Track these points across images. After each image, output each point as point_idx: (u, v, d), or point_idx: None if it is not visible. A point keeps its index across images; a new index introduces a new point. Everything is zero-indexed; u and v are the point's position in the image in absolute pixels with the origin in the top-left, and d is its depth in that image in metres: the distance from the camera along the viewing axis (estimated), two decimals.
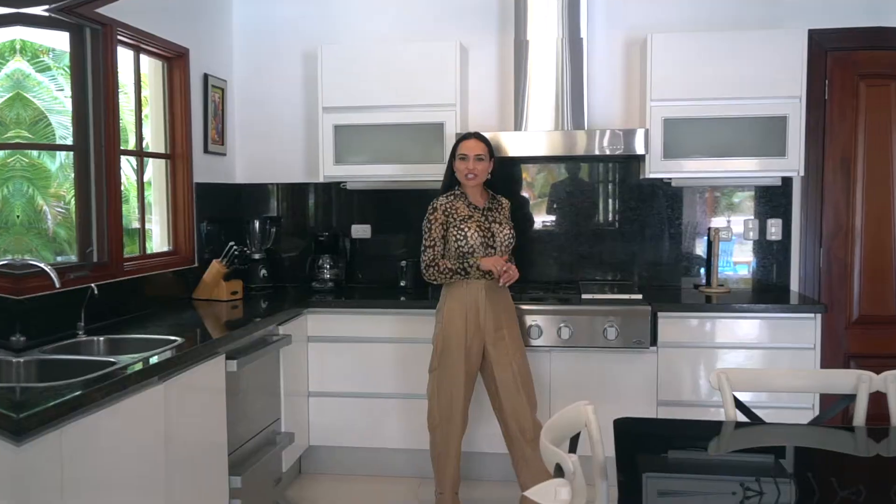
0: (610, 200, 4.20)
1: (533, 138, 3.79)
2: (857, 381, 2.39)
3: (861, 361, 3.92)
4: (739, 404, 2.43)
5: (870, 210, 3.98)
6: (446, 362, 3.29)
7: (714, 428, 2.49)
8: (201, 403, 2.75)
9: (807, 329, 3.52)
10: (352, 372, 3.81)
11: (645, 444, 2.24)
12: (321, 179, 4.06)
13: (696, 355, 3.60)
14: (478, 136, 3.36)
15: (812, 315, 3.53)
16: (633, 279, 4.19)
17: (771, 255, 4.09)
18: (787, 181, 4.01)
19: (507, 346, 3.31)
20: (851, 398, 2.40)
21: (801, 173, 3.73)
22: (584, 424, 2.12)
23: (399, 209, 4.30)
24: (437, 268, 3.28)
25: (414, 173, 3.97)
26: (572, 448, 2.07)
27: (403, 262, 4.17)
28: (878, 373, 2.39)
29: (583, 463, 1.65)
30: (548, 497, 1.53)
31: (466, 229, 3.27)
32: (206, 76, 4.04)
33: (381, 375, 3.79)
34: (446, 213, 3.30)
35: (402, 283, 4.16)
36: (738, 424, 2.37)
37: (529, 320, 3.62)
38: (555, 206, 4.24)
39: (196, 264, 3.93)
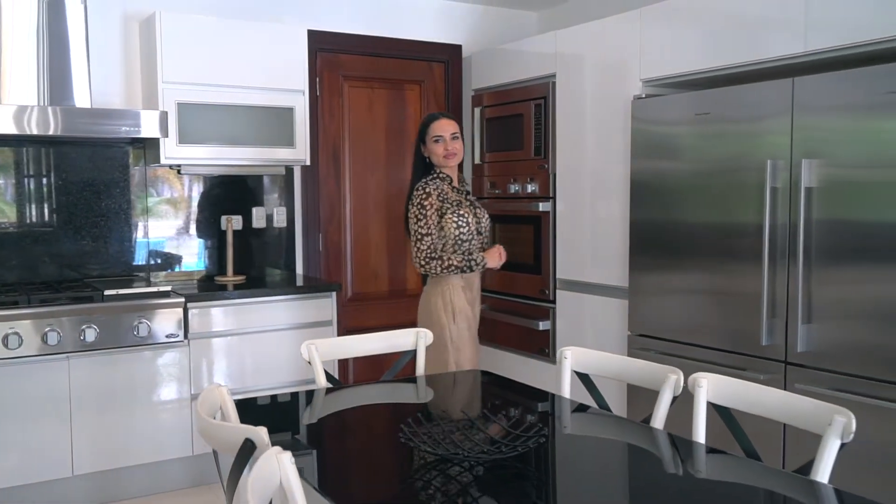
0: (114, 189, 4.08)
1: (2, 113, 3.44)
2: (416, 338, 2.97)
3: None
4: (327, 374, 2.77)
5: (356, 199, 4.72)
6: (464, 356, 3.33)
7: (308, 397, 2.78)
8: None
9: (326, 307, 4.06)
10: None
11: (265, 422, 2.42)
12: None
13: (227, 343, 3.82)
14: (447, 115, 3.40)
15: (330, 294, 4.08)
16: (146, 272, 4.16)
17: (279, 241, 4.52)
18: (289, 170, 4.49)
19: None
20: (412, 353, 2.97)
21: (308, 162, 4.24)
22: (220, 406, 2.21)
23: None
24: (441, 261, 3.24)
25: None
26: None
27: None
28: None
29: None
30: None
31: (466, 215, 3.30)
32: None
33: None
34: (441, 198, 3.27)
35: None
36: (328, 390, 2.71)
37: (44, 325, 3.34)
38: (45, 194, 3.92)
39: None
